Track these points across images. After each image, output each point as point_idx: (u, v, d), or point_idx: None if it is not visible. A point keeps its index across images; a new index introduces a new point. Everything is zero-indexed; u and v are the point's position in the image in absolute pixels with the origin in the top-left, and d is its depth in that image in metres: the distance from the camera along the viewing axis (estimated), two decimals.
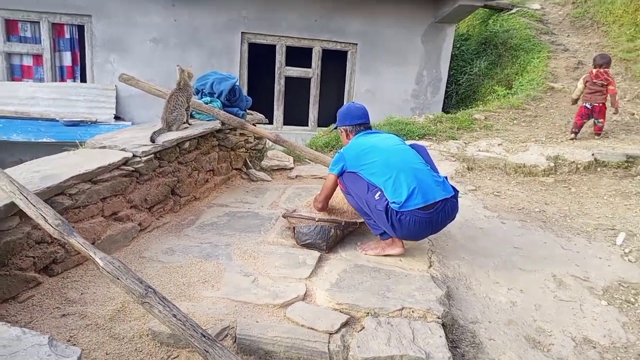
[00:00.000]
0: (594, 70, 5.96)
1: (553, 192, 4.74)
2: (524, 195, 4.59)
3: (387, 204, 2.68)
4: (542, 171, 5.18)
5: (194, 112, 4.02)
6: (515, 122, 6.82)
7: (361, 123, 3.08)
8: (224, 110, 4.18)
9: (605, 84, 5.85)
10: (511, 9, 10.31)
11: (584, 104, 5.99)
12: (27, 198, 2.13)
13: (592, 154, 5.29)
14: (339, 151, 3.01)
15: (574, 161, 5.22)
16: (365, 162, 2.81)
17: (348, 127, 3.09)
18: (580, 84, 6.14)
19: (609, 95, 5.87)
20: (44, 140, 6.28)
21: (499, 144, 5.87)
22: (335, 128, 3.24)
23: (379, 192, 2.72)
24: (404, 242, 2.91)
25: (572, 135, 6.05)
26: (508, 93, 8.10)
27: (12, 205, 2.15)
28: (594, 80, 5.92)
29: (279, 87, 8.36)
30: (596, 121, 6.03)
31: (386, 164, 2.75)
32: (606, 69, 5.91)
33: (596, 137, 6.07)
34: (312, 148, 5.36)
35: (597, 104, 5.91)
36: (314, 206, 3.11)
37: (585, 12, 9.96)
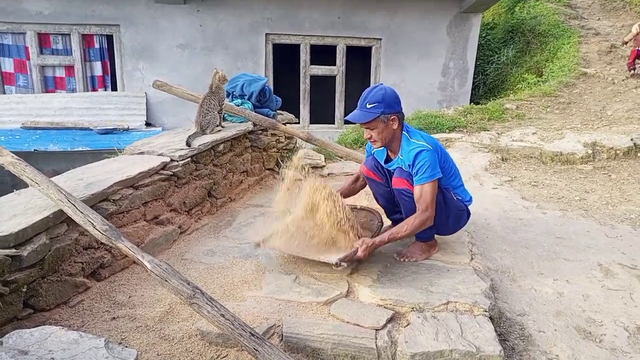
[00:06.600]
0: None
1: (592, 179, 4.61)
2: (562, 184, 4.48)
3: (463, 203, 2.78)
4: (579, 159, 5.05)
5: (226, 115, 4.06)
6: (548, 110, 6.66)
7: None
8: (255, 112, 4.21)
9: None
10: None
11: (637, 48, 7.45)
12: (74, 205, 2.18)
13: (631, 139, 5.14)
14: (420, 152, 2.50)
15: (612, 147, 5.08)
16: (447, 166, 2.68)
17: (400, 113, 2.58)
18: (634, 29, 7.53)
19: None
20: (80, 149, 6.43)
21: (533, 133, 5.75)
22: (378, 117, 2.48)
23: (452, 193, 2.72)
24: None
25: (632, 72, 7.59)
26: (539, 81, 7.93)
27: (61, 212, 2.21)
28: None
29: (304, 86, 8.38)
30: None
31: (455, 166, 2.80)
32: None
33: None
34: (342, 145, 5.34)
35: None
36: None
37: None
